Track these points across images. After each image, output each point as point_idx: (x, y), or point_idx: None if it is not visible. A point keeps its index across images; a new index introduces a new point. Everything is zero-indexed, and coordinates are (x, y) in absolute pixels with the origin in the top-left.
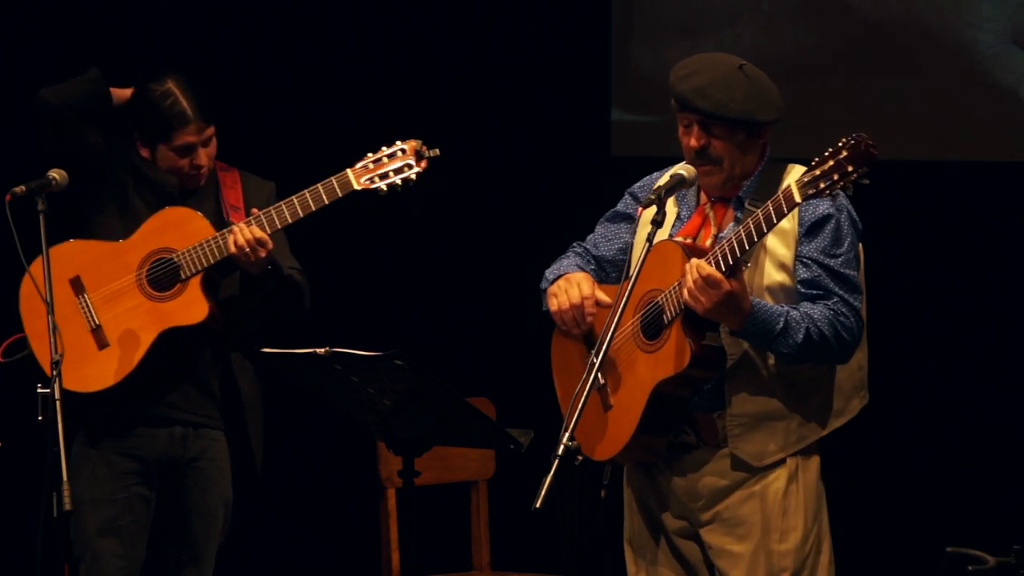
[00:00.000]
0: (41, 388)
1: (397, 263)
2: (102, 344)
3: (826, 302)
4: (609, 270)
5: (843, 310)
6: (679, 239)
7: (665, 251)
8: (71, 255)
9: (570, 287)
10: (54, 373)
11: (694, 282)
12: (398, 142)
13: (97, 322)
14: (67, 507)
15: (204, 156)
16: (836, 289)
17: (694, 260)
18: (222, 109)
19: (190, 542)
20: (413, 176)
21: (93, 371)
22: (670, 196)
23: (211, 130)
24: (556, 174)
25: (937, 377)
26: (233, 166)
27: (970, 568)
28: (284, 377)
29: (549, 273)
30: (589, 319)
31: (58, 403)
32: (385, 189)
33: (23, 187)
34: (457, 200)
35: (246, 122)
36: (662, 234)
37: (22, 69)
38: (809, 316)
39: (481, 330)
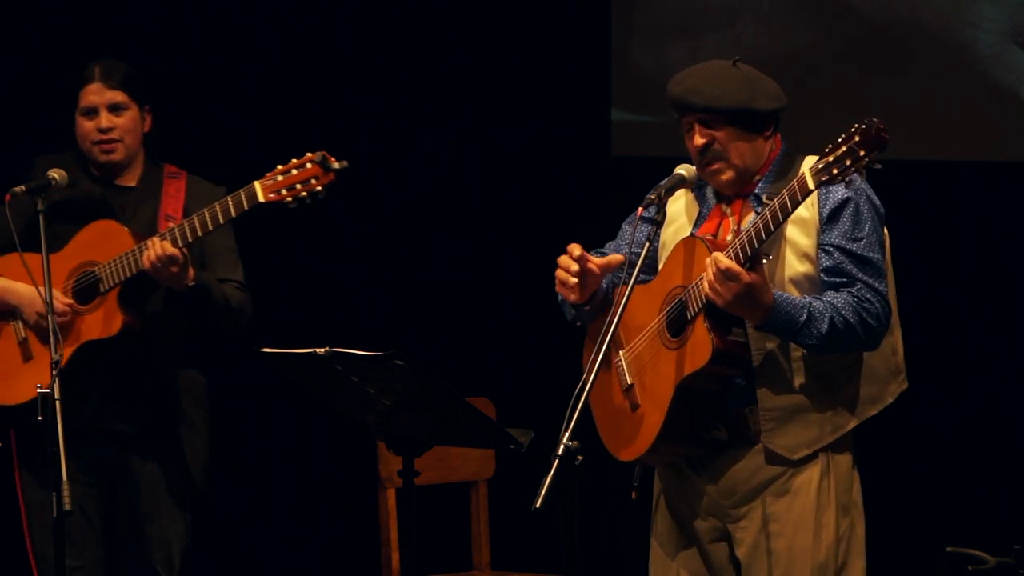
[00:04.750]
0: (41, 388)
1: (397, 263)
2: (27, 357)
3: (850, 289)
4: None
5: (867, 296)
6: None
7: (689, 247)
8: (2, 269)
9: (560, 271)
10: (54, 373)
11: (713, 275)
12: (307, 154)
13: (23, 335)
14: (67, 507)
15: (108, 120)
16: (859, 275)
17: (715, 253)
18: (180, 110)
19: (142, 543)
20: (320, 188)
21: (19, 384)
22: (670, 195)
23: (121, 97)
24: (556, 174)
25: (936, 377)
26: (183, 170)
27: (970, 568)
28: (284, 377)
29: None
30: (586, 268)
31: (58, 403)
32: (291, 201)
33: (23, 187)
34: (457, 200)
35: (200, 122)
36: (684, 232)
37: (21, 69)
38: (832, 305)
39: (481, 330)
